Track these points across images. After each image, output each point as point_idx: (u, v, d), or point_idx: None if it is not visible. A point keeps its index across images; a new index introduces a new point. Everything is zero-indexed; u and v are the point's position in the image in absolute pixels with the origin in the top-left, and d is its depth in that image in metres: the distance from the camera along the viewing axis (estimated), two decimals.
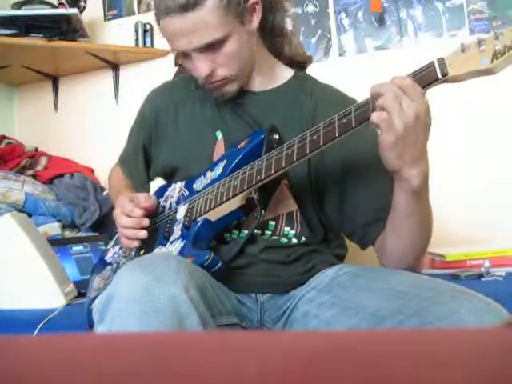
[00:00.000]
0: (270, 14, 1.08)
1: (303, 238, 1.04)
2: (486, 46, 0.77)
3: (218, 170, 1.04)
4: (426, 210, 0.94)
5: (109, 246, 1.22)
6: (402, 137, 0.81)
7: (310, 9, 2.10)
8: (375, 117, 0.82)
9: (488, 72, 0.77)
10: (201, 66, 1.01)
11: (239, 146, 1.03)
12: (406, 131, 0.80)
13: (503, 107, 1.84)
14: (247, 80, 1.11)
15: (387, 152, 0.84)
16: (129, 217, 1.03)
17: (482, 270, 1.39)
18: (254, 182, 0.94)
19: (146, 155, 1.22)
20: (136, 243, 1.05)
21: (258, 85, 1.12)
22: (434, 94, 0.84)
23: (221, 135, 1.09)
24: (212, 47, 0.99)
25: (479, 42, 0.77)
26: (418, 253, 0.98)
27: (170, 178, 1.17)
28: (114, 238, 1.22)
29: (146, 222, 1.03)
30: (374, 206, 1.01)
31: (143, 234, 1.03)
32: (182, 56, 1.04)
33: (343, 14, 2.06)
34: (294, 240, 1.03)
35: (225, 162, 1.04)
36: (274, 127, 1.02)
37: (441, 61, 0.80)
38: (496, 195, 1.83)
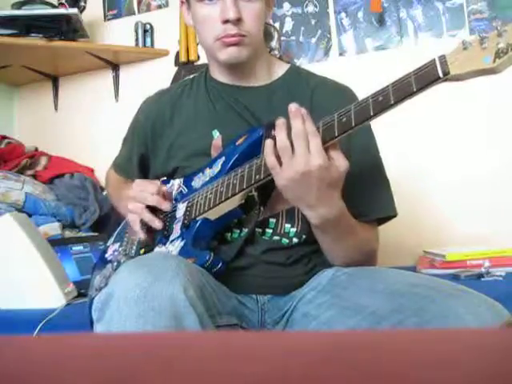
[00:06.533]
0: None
1: (304, 236, 1.03)
2: (489, 44, 0.73)
3: (217, 167, 1.03)
4: (340, 241, 0.97)
5: (108, 244, 1.21)
6: (290, 186, 0.85)
7: (310, 9, 2.10)
8: (269, 161, 0.87)
9: (490, 71, 0.73)
10: (231, 8, 1.00)
11: (237, 143, 1.02)
12: (293, 182, 0.84)
13: (500, 111, 1.84)
14: (249, 73, 1.11)
15: (281, 190, 0.88)
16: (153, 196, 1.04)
17: (482, 269, 1.39)
18: (253, 181, 0.94)
19: (142, 162, 1.22)
20: (160, 225, 1.05)
21: (257, 80, 1.13)
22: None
23: (218, 132, 1.09)
24: None
25: (481, 40, 0.74)
26: (353, 263, 1.00)
27: (171, 177, 1.17)
28: (114, 235, 1.21)
29: (168, 206, 1.05)
30: (358, 202, 1.00)
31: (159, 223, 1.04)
32: (205, 2, 1.03)
33: (343, 14, 2.06)
34: (295, 239, 1.03)
35: (223, 159, 1.03)
36: (272, 123, 1.02)
37: (442, 59, 0.76)
38: (496, 195, 1.84)
